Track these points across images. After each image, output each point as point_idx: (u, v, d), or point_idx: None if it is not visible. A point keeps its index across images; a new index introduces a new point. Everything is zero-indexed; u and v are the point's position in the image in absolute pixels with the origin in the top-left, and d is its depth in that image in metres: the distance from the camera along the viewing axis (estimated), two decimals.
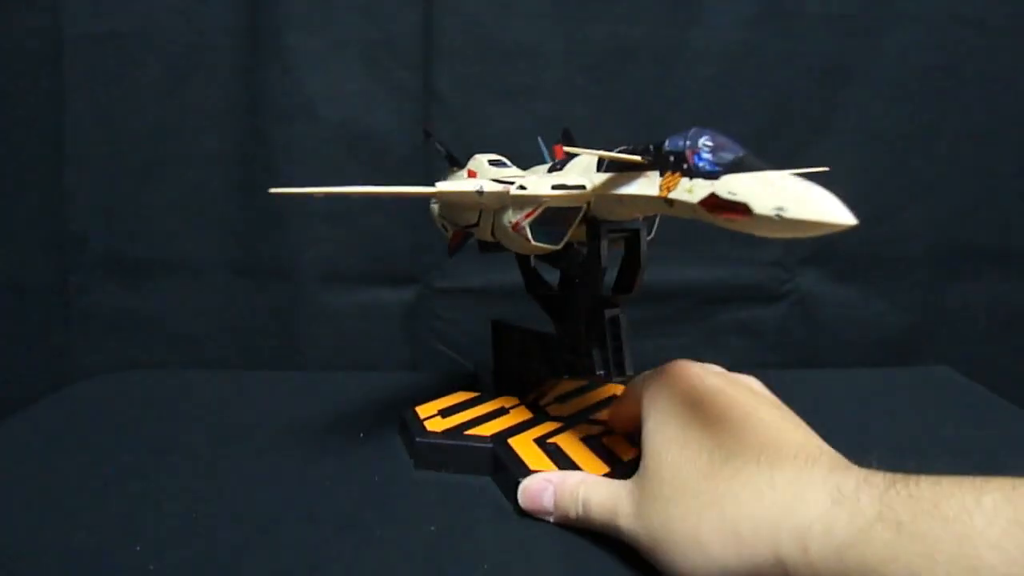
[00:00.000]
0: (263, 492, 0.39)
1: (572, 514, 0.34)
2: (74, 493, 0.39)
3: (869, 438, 0.28)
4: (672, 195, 0.28)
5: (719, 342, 0.70)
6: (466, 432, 0.43)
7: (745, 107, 0.65)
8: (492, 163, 0.45)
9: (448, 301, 0.67)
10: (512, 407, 0.46)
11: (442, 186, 0.39)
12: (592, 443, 0.40)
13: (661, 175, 0.29)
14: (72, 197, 0.65)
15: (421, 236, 0.65)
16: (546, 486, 0.35)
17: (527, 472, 0.37)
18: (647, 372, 0.38)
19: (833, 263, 0.68)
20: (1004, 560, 0.19)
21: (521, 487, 0.36)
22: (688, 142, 0.28)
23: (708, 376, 0.34)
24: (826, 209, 0.21)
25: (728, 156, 0.26)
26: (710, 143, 0.27)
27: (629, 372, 0.38)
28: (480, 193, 0.37)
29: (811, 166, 0.70)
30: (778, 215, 0.22)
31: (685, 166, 0.28)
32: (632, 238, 0.38)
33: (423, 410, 0.46)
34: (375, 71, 0.64)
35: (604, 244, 0.37)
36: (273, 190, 0.28)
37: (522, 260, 0.46)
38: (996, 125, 0.66)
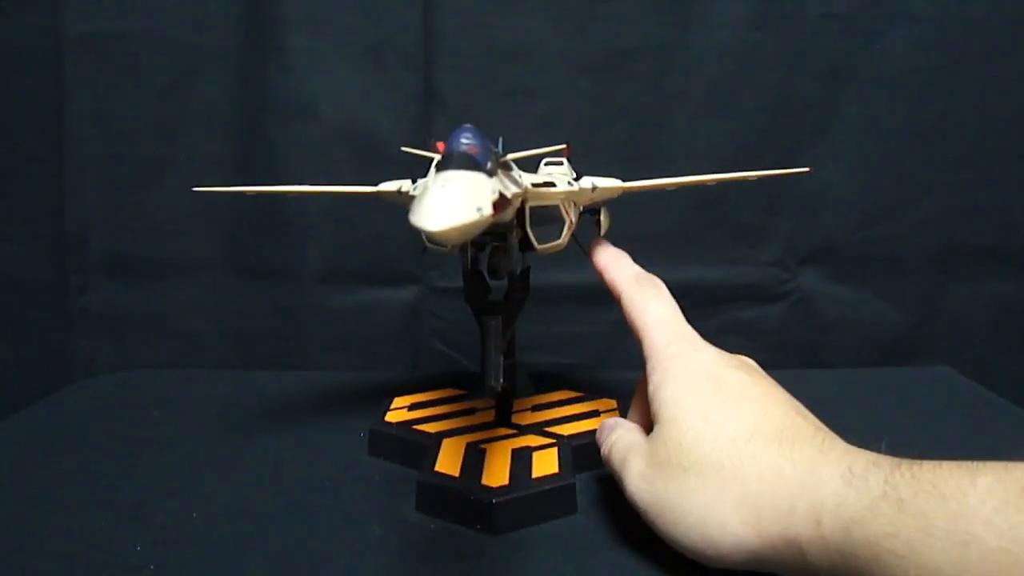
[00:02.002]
0: (263, 492, 0.39)
1: (606, 463, 0.35)
2: (74, 493, 0.39)
3: (869, 438, 0.28)
4: None
5: (719, 342, 0.69)
6: (414, 427, 0.43)
7: (745, 107, 0.65)
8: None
9: (448, 301, 0.67)
10: (484, 409, 0.46)
11: (383, 186, 0.40)
12: (520, 456, 0.39)
13: None
14: (72, 197, 0.65)
15: (421, 236, 0.65)
16: (609, 424, 0.37)
17: (428, 471, 0.37)
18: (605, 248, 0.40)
19: (833, 263, 0.68)
20: (994, 534, 0.21)
21: (600, 425, 0.38)
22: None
23: (721, 354, 0.35)
24: (419, 215, 0.20)
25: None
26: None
27: (492, 383, 0.35)
28: (400, 192, 0.38)
29: (811, 166, 0.70)
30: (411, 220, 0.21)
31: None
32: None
33: (398, 401, 0.47)
34: (375, 71, 0.64)
35: (471, 250, 0.37)
36: (197, 188, 0.27)
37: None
38: (996, 125, 0.66)
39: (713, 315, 0.69)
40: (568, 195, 0.38)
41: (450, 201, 0.21)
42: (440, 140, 0.42)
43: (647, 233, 0.63)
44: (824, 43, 0.64)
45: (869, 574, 0.23)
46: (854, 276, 0.68)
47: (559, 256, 0.40)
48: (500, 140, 0.45)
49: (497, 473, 0.37)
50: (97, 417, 0.51)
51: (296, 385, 0.58)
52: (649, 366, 0.35)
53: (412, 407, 0.47)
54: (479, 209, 0.21)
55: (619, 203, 0.45)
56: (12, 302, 0.67)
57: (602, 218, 0.45)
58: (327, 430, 0.48)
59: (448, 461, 0.39)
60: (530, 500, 0.36)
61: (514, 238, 0.36)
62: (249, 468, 0.42)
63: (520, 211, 0.35)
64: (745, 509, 0.27)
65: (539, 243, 0.37)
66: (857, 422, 0.29)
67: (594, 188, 0.40)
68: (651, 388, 0.34)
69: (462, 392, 0.49)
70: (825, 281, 0.68)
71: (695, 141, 0.65)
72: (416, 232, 0.21)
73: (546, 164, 0.44)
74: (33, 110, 0.64)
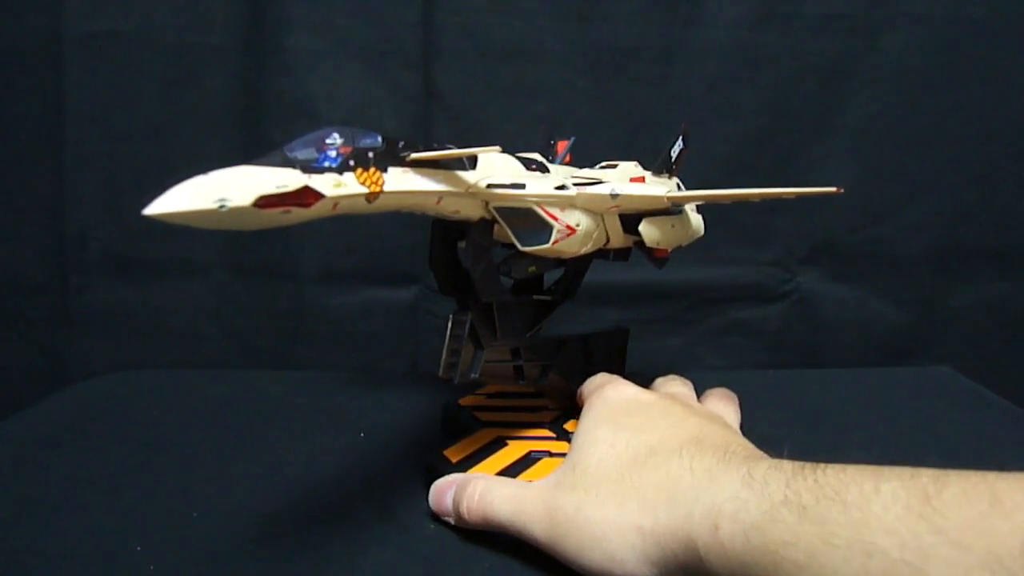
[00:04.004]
0: (263, 492, 0.39)
1: (468, 513, 0.33)
2: (74, 493, 0.39)
3: (869, 438, 0.28)
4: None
5: (719, 342, 0.70)
6: (475, 412, 0.45)
7: (745, 107, 0.65)
8: None
9: (448, 301, 0.67)
10: (551, 409, 0.46)
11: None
12: (530, 457, 0.39)
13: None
14: (72, 197, 0.65)
15: (421, 236, 0.65)
16: (450, 485, 0.35)
17: (436, 453, 0.38)
18: (597, 375, 0.39)
19: (833, 263, 0.68)
20: (897, 544, 0.20)
21: (432, 487, 0.36)
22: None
23: (643, 391, 0.36)
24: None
25: None
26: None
27: (442, 374, 0.38)
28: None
29: (811, 166, 0.70)
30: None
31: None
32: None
33: (489, 388, 0.48)
34: (375, 71, 0.63)
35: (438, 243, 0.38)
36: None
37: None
38: (996, 125, 0.66)
39: (713, 315, 0.69)
40: (549, 199, 0.36)
41: (184, 190, 0.23)
42: (561, 140, 0.42)
43: None
44: (824, 43, 0.64)
45: None
46: (854, 276, 0.68)
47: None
48: (561, 142, 0.46)
49: (488, 467, 0.38)
50: (97, 417, 0.51)
51: (296, 385, 0.58)
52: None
53: (492, 395, 0.48)
54: (221, 200, 0.23)
55: None
56: (12, 302, 0.67)
57: (642, 228, 0.41)
58: (327, 430, 0.48)
59: (463, 447, 0.39)
60: None
61: (476, 236, 0.36)
62: (249, 468, 0.42)
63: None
64: (644, 520, 0.27)
65: (522, 245, 0.37)
66: (857, 422, 0.29)
67: (615, 195, 0.38)
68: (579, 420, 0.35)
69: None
70: (825, 281, 0.68)
71: (695, 141, 0.65)
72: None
73: (601, 167, 0.44)
74: (33, 110, 0.64)
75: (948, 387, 0.58)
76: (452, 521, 0.34)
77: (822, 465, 0.24)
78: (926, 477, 0.21)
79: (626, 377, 0.48)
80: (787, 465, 0.25)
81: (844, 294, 0.68)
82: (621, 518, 0.27)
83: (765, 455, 0.27)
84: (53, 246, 0.66)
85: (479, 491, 0.33)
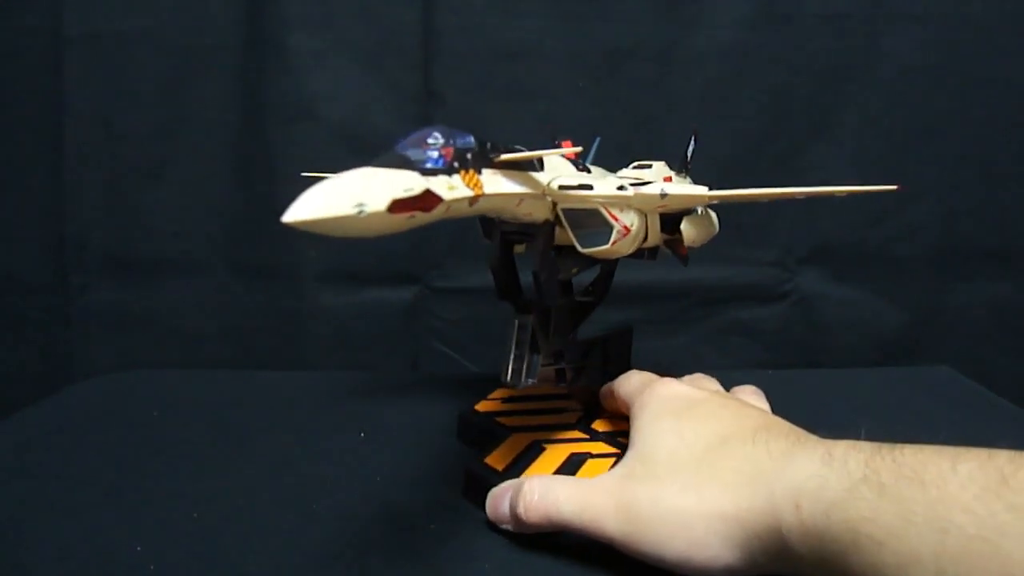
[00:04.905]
0: (263, 492, 0.39)
1: (528, 513, 0.32)
2: (74, 493, 0.39)
3: (869, 438, 0.28)
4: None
5: (719, 342, 0.70)
6: (497, 418, 0.44)
7: (745, 107, 0.65)
8: None
9: (448, 301, 0.67)
10: (572, 410, 0.45)
11: None
12: (573, 460, 0.38)
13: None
14: (72, 197, 0.65)
15: (421, 236, 0.65)
16: (506, 491, 0.34)
17: (477, 461, 0.38)
18: (629, 373, 0.39)
19: (833, 263, 0.68)
20: (973, 521, 0.20)
21: (488, 496, 0.35)
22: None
23: (692, 388, 0.36)
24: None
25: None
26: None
27: (503, 379, 0.37)
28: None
29: (811, 166, 0.70)
30: None
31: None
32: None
33: (498, 392, 0.48)
34: (375, 71, 0.64)
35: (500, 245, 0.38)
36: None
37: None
38: (996, 125, 0.66)
39: (713, 315, 0.69)
40: (612, 200, 0.35)
41: (320, 194, 0.21)
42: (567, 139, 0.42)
43: None
44: (824, 43, 0.64)
45: (847, 561, 0.23)
46: (854, 276, 0.68)
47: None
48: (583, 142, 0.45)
49: (539, 473, 0.37)
50: (97, 417, 0.51)
51: (296, 385, 0.58)
52: (630, 415, 0.36)
53: (507, 399, 0.47)
54: (359, 205, 0.21)
55: None
56: (12, 302, 0.67)
57: (684, 227, 0.42)
58: (327, 430, 0.47)
59: (502, 454, 0.39)
60: None
61: (545, 240, 0.36)
62: (249, 468, 0.42)
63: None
64: (727, 504, 0.27)
65: (583, 246, 0.36)
66: (857, 422, 0.29)
67: (664, 195, 0.37)
68: (630, 429, 0.34)
69: (563, 392, 0.48)
70: (825, 281, 0.68)
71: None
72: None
73: (635, 167, 0.45)
74: (33, 110, 0.65)
75: (948, 387, 0.58)
76: (511, 528, 0.33)
77: (899, 445, 0.24)
78: (1002, 458, 0.22)
79: None
80: (864, 445, 0.25)
81: (844, 294, 0.68)
82: (703, 505, 0.28)
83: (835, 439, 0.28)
84: (53, 246, 0.66)
85: (538, 490, 0.32)
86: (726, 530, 0.27)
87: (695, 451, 0.30)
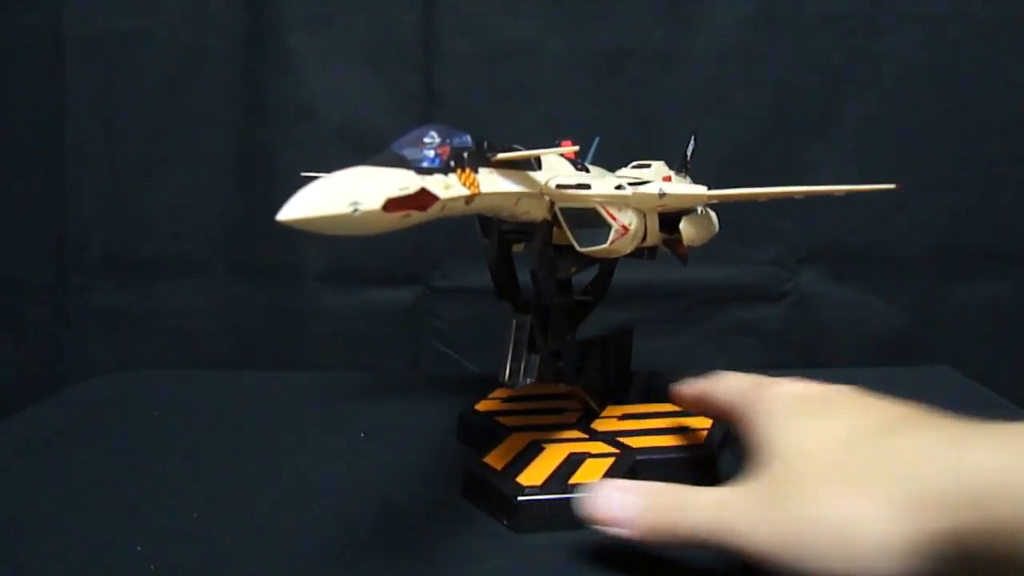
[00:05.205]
0: (263, 492, 0.39)
1: (656, 524, 0.29)
2: (74, 493, 0.39)
3: None
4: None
5: (719, 342, 0.70)
6: (497, 418, 0.44)
7: (745, 107, 0.65)
8: None
9: (448, 301, 0.67)
10: (572, 410, 0.45)
11: None
12: (572, 460, 0.38)
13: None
14: (72, 197, 0.65)
15: (421, 236, 0.65)
16: (619, 491, 0.30)
17: (476, 460, 0.38)
18: (718, 375, 0.36)
19: (833, 263, 0.68)
20: None
21: (596, 491, 0.31)
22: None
23: (798, 382, 0.33)
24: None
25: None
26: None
27: (501, 380, 0.36)
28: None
29: (811, 166, 0.70)
30: None
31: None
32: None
33: (498, 392, 0.48)
34: (375, 71, 0.64)
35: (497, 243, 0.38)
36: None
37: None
38: (996, 125, 0.66)
39: (713, 315, 0.69)
40: (610, 199, 0.36)
41: (315, 193, 0.21)
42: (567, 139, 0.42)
43: None
44: (824, 43, 0.64)
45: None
46: (854, 276, 0.68)
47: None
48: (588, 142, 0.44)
49: (537, 473, 0.37)
50: (97, 417, 0.51)
51: (296, 385, 0.58)
52: (737, 420, 0.33)
53: (507, 399, 0.47)
54: (354, 204, 0.21)
55: None
56: (12, 302, 0.67)
57: (682, 227, 0.42)
58: (327, 430, 0.47)
59: (501, 453, 0.39)
60: (557, 504, 0.35)
61: (543, 239, 0.36)
62: (249, 468, 0.42)
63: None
64: (893, 502, 0.24)
65: (581, 246, 0.36)
66: None
67: (662, 194, 0.37)
68: (745, 436, 0.31)
69: (563, 392, 0.48)
70: (825, 281, 0.68)
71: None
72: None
73: (634, 167, 0.45)
74: (33, 110, 0.65)
75: (948, 387, 0.58)
76: (624, 532, 0.29)
77: None
78: None
79: (631, 375, 0.48)
80: None
81: (844, 294, 0.68)
82: (863, 506, 0.24)
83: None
84: (53, 246, 0.66)
85: (668, 500, 0.29)
86: (893, 527, 0.23)
87: (838, 450, 0.27)
